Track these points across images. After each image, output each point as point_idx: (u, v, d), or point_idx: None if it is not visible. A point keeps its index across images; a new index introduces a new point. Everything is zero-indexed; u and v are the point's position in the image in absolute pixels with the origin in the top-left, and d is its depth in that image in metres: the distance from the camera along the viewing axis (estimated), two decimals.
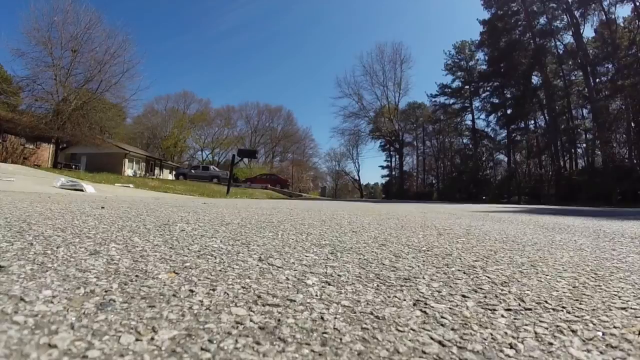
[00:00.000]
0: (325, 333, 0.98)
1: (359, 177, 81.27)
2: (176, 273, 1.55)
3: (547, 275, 1.80)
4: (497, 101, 53.64)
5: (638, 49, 37.16)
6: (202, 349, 0.86)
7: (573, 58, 43.29)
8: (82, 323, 0.96)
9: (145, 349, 0.84)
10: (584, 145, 43.13)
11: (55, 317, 0.99)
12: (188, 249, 2.12)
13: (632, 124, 37.50)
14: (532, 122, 50.06)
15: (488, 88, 55.11)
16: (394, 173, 69.75)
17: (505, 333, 1.02)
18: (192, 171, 43.24)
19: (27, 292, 1.17)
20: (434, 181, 65.58)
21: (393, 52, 66.90)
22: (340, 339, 0.95)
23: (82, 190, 9.26)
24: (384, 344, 0.92)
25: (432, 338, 0.97)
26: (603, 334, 1.03)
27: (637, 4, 37.51)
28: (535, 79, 48.06)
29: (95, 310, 1.05)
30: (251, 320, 1.05)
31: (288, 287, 1.41)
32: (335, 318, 1.09)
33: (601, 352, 0.92)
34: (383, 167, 73.31)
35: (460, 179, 51.50)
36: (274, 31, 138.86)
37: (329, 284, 1.48)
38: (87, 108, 35.41)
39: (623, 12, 50.61)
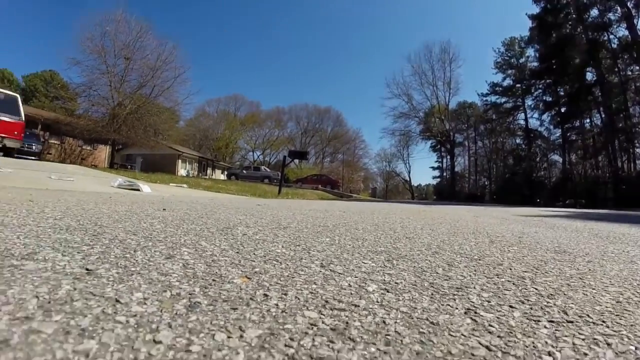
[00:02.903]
0: (388, 335, 1.15)
1: (409, 178, 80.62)
2: (248, 278, 1.72)
3: (593, 289, 1.89)
4: (550, 99, 51.84)
5: None
6: (285, 345, 1.04)
7: (628, 52, 41.25)
8: (178, 322, 1.13)
9: (238, 345, 1.01)
10: None
11: (153, 317, 1.15)
12: (254, 254, 2.29)
13: None
14: (588, 120, 48.11)
15: (540, 86, 53.38)
16: (445, 174, 68.87)
17: (546, 342, 1.16)
18: (244, 172, 43.97)
19: (121, 295, 1.34)
20: (486, 182, 64.17)
21: (441, 51, 65.87)
22: (401, 341, 1.12)
23: (138, 190, 9.59)
24: (438, 346, 1.09)
25: (480, 343, 1.13)
26: (636, 348, 1.15)
27: None
28: (589, 75, 46.17)
29: (185, 312, 1.22)
30: (323, 322, 1.23)
31: (351, 293, 1.58)
32: (396, 322, 1.26)
33: None
34: (434, 168, 72.50)
35: (513, 180, 50.15)
36: (320, 33, 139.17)
37: (388, 291, 1.65)
38: (141, 112, 37.09)
39: None
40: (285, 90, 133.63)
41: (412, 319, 1.32)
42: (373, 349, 1.05)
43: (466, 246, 3.18)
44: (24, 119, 16.36)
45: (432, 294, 1.64)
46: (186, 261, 1.96)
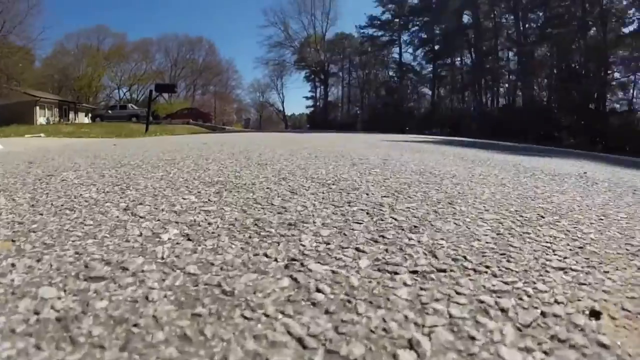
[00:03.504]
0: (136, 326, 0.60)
1: (283, 108, 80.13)
2: (13, 241, 1.20)
3: (466, 217, 1.49)
4: (425, 36, 53.95)
5: (571, 1, 38.14)
6: None
7: (506, 1, 43.89)
8: None
9: None
10: (507, 85, 44.64)
11: None
12: (51, 204, 1.71)
13: (554, 71, 39.12)
14: (459, 59, 50.95)
15: (418, 23, 55.21)
16: (318, 104, 69.48)
17: (406, 317, 0.67)
18: (109, 112, 40.87)
19: None
20: (358, 112, 65.95)
21: None
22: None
23: None
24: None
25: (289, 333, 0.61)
26: (544, 315, 0.71)
27: None
28: (466, 18, 48.65)
29: None
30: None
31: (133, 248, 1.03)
32: (165, 297, 0.71)
33: (545, 353, 0.59)
34: (308, 98, 72.49)
35: (385, 110, 52.21)
36: None
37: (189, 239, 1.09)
38: None
39: None
40: (154, 20, 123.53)
41: (197, 285, 0.77)
42: None
43: (322, 170, 2.71)
44: None
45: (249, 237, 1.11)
46: None
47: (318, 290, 0.75)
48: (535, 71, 39.52)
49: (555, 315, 0.71)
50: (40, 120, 40.72)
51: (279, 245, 1.06)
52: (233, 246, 1.06)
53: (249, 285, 0.79)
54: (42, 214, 1.53)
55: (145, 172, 2.69)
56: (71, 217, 1.47)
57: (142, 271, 0.90)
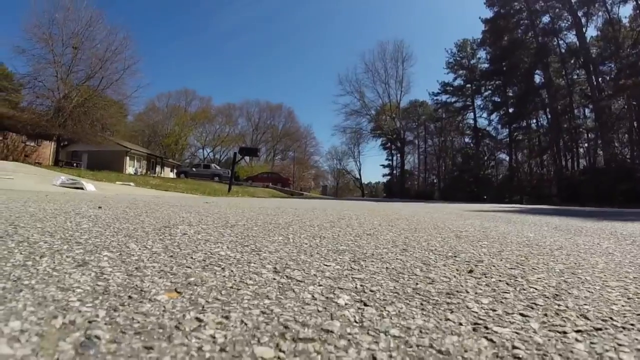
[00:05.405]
0: None
1: (360, 175, 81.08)
2: (178, 292, 1.29)
3: (594, 285, 1.66)
4: (498, 100, 53.62)
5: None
6: None
7: (576, 57, 43.15)
8: None
9: None
10: (586, 145, 43.07)
11: None
12: (191, 257, 1.91)
13: (635, 124, 37.37)
14: (534, 121, 50.02)
15: (490, 87, 55.18)
16: (395, 172, 69.75)
17: None
18: (194, 169, 43.17)
19: None
20: (435, 180, 65.43)
21: (395, 50, 66.92)
22: None
23: (82, 189, 9.13)
24: None
25: None
26: None
27: (639, 2, 37.33)
28: (537, 78, 48.23)
29: (73, 355, 0.80)
30: None
31: (319, 311, 1.18)
32: (391, 357, 0.89)
33: None
34: (384, 166, 73.21)
35: (462, 178, 51.46)
36: (274, 30, 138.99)
37: (366, 304, 1.28)
38: (88, 105, 35.43)
39: (625, 11, 49.97)
40: (237, 87, 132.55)
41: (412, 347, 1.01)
42: None
43: (434, 242, 2.91)
44: None
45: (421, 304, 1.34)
46: (102, 269, 1.53)
47: (514, 347, 0.96)
48: (614, 126, 37.89)
49: None
50: (129, 169, 43.97)
51: (451, 312, 1.22)
52: (414, 312, 1.21)
53: (457, 345, 0.96)
54: (189, 267, 1.66)
55: (263, 234, 2.93)
56: (224, 274, 1.57)
57: (349, 333, 0.99)
